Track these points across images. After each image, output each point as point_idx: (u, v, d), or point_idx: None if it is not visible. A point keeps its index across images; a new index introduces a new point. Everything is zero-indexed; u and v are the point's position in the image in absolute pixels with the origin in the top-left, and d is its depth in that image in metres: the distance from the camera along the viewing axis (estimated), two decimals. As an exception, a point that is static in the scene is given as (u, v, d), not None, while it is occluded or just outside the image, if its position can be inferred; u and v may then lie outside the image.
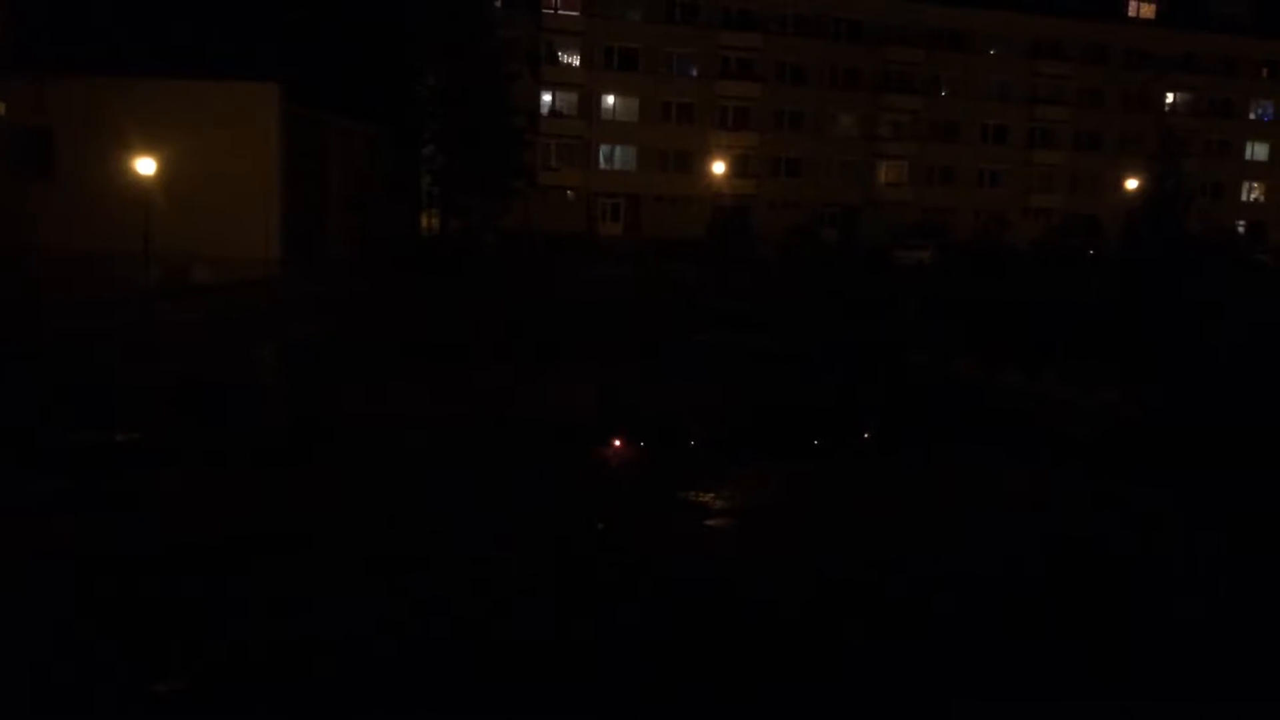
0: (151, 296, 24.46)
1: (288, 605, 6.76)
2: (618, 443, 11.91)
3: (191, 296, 25.85)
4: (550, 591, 7.18)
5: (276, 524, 8.39)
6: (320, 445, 11.25)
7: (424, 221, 52.62)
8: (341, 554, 7.74)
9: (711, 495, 9.60)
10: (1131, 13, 73.97)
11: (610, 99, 64.48)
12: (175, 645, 6.07)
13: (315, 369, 16.42)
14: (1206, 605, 7.42)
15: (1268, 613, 7.38)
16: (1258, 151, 77.72)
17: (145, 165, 29.68)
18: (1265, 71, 76.79)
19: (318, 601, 6.84)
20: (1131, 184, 58.49)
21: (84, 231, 33.12)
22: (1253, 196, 78.38)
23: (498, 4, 51.94)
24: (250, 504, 8.90)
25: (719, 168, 60.07)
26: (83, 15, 35.92)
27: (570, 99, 63.78)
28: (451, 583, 7.26)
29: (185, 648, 6.04)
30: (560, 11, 62.26)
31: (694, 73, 65.28)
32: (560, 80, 63.28)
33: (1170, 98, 74.63)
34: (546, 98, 63.26)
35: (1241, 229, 75.78)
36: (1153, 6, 74.01)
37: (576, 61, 63.53)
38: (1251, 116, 77.33)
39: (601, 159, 64.89)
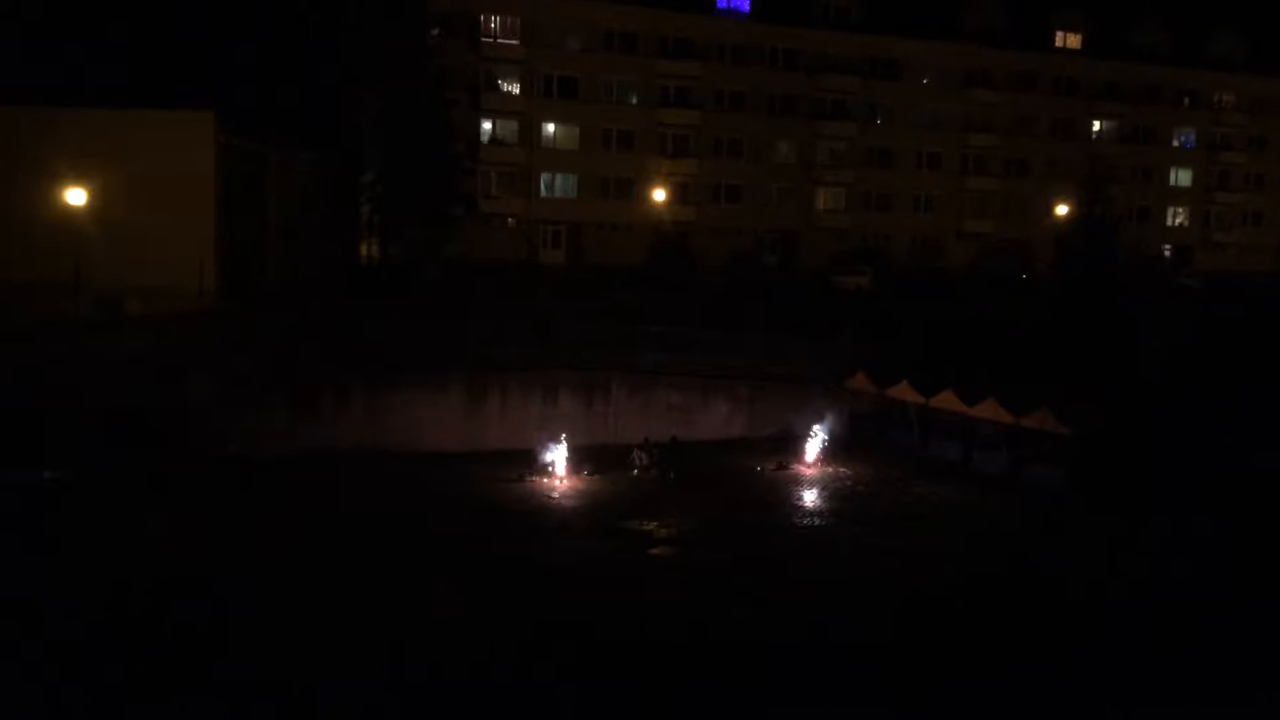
0: (79, 328, 23.92)
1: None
2: (561, 470, 11.87)
3: (122, 328, 25.31)
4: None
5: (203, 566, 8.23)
6: (250, 479, 11.07)
7: (364, 249, 52.13)
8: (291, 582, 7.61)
9: (641, 521, 9.62)
10: (1058, 43, 75.97)
11: (550, 127, 64.52)
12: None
13: (242, 401, 16.16)
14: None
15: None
16: (1181, 178, 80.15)
17: (75, 196, 29.05)
18: (1186, 101, 79.33)
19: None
20: (1062, 209, 59.93)
21: (10, 262, 32.27)
22: (1177, 221, 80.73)
23: (436, 32, 51.71)
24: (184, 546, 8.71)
25: (660, 195, 60.37)
26: (5, 45, 35.19)
27: (511, 127, 63.70)
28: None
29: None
30: (499, 40, 62.23)
31: (634, 100, 65.64)
32: (500, 108, 63.16)
33: (1096, 125, 76.71)
34: (487, 126, 63.09)
35: (1168, 253, 77.88)
36: (1078, 37, 76.08)
37: (516, 89, 63.51)
38: (1175, 144, 79.74)
39: (543, 186, 64.83)
